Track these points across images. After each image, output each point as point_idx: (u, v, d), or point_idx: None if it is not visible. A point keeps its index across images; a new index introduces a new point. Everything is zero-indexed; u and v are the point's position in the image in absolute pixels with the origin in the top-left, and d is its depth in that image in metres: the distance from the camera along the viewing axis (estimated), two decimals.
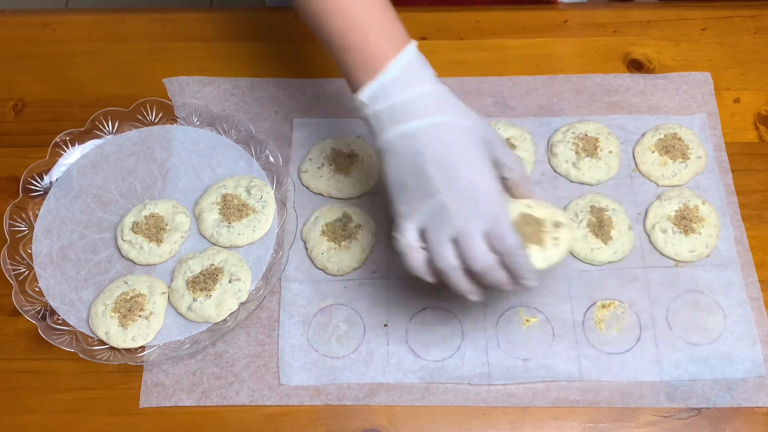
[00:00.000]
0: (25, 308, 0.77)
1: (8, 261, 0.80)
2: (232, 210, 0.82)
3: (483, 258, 0.64)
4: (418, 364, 0.76)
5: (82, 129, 0.87)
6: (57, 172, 0.86)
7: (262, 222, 0.82)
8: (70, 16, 0.99)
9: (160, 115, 0.89)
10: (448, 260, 0.65)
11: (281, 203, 0.83)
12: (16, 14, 1.01)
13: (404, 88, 0.66)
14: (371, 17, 0.68)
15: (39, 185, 0.85)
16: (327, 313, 0.79)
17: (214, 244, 0.82)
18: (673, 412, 0.73)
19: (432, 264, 0.66)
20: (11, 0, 1.87)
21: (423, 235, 0.66)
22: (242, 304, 0.78)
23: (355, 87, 0.68)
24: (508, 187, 0.71)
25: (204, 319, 0.77)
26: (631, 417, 0.73)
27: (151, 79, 0.92)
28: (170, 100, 0.89)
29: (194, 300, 0.77)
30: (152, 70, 0.93)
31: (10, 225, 0.82)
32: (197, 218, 0.83)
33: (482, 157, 0.65)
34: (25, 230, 0.83)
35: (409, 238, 0.66)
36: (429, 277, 0.68)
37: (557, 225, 0.70)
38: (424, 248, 0.66)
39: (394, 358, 0.76)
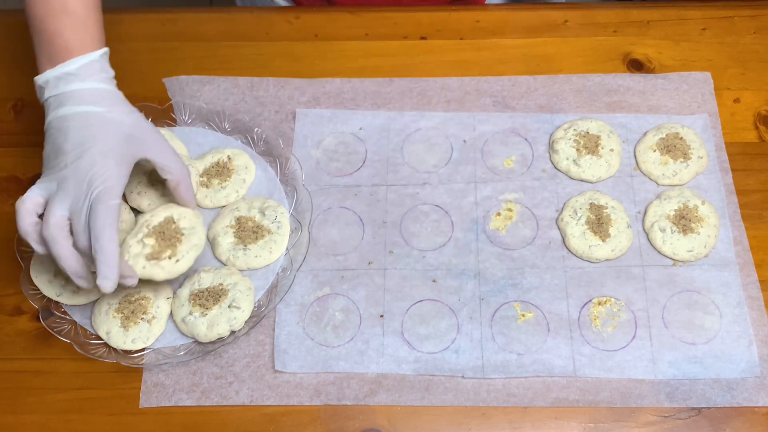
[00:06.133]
0: (31, 292, 0.78)
1: (19, 243, 0.80)
2: (247, 232, 0.80)
3: (81, 238, 0.67)
4: (412, 356, 0.76)
5: None
6: None
7: (279, 243, 0.81)
8: None
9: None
10: (53, 230, 0.67)
11: (297, 222, 0.82)
12: (16, 14, 1.01)
13: (72, 82, 0.73)
14: (72, 15, 0.75)
15: None
16: (323, 302, 0.79)
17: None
18: (673, 412, 0.73)
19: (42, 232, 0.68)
20: (11, 0, 1.87)
21: (47, 205, 0.69)
22: (233, 332, 0.77)
23: (38, 70, 0.75)
24: (171, 191, 0.77)
25: (193, 335, 0.76)
26: (631, 417, 0.73)
27: (151, 79, 0.92)
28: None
29: (190, 313, 0.77)
30: (152, 70, 0.93)
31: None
32: (212, 242, 0.81)
33: (115, 146, 0.71)
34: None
35: (26, 196, 0.69)
36: (37, 245, 0.69)
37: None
38: (40, 216, 0.69)
39: (389, 349, 0.77)
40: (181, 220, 0.76)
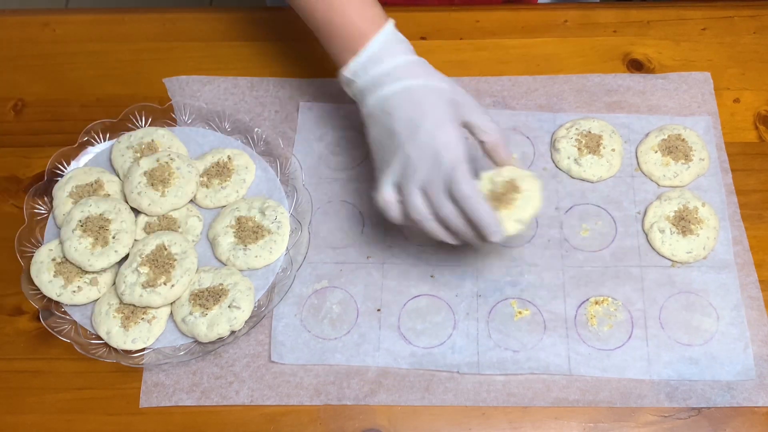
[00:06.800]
0: (31, 292, 0.78)
1: (22, 242, 0.80)
2: (248, 232, 0.80)
3: (445, 207, 0.70)
4: (408, 350, 0.76)
5: (116, 119, 0.87)
6: (84, 160, 0.86)
7: (279, 243, 0.81)
8: (70, 16, 0.99)
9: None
10: (419, 210, 0.71)
11: (297, 222, 0.82)
12: (16, 14, 1.02)
13: (381, 61, 0.73)
14: (351, 2, 0.75)
15: (64, 173, 0.85)
16: (321, 295, 0.79)
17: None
18: (673, 411, 0.73)
19: (408, 214, 0.72)
20: (11, 0, 1.87)
21: (398, 189, 0.72)
22: (234, 332, 0.76)
23: (340, 66, 0.75)
24: (487, 152, 0.75)
25: (193, 335, 0.76)
26: (631, 417, 0.73)
27: (151, 79, 0.92)
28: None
29: (190, 313, 0.76)
30: (152, 70, 0.93)
31: (30, 206, 0.82)
32: (212, 242, 0.81)
33: (446, 114, 0.71)
34: (45, 213, 0.83)
35: (385, 194, 0.72)
36: (401, 222, 0.74)
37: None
38: (400, 201, 0.72)
39: (385, 343, 0.77)
40: (172, 246, 0.78)
